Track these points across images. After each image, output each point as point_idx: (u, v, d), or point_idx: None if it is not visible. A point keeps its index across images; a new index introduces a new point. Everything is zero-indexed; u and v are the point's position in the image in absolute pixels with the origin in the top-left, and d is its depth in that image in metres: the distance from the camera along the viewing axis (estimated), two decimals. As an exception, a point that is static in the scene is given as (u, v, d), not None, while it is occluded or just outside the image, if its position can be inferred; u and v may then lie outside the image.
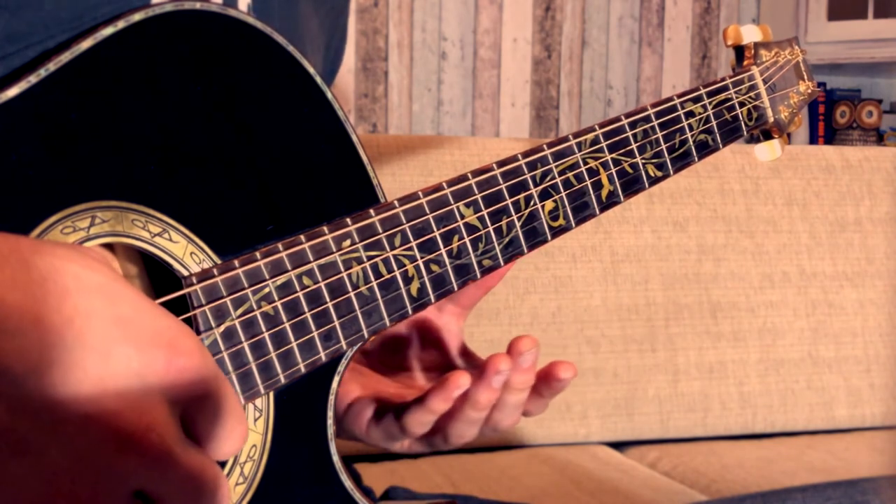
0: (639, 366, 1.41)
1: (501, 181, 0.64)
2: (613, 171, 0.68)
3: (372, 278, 0.58)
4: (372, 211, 0.59)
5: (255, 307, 0.53)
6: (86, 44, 0.49)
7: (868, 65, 3.11)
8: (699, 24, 3.27)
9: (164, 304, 0.48)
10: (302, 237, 0.56)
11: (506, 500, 0.93)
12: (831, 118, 3.26)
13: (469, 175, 0.63)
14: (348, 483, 0.59)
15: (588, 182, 0.67)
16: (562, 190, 0.66)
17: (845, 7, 3.15)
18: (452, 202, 0.62)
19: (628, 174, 0.69)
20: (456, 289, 0.62)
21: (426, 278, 0.61)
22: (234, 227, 0.54)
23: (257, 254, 0.54)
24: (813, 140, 3.24)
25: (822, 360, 1.49)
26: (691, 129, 0.73)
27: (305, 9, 0.69)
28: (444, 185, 0.61)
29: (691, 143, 0.72)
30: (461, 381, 0.62)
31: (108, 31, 0.50)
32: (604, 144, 0.68)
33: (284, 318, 0.55)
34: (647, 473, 1.30)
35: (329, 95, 0.58)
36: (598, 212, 0.68)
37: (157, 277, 0.54)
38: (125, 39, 0.50)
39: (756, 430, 1.46)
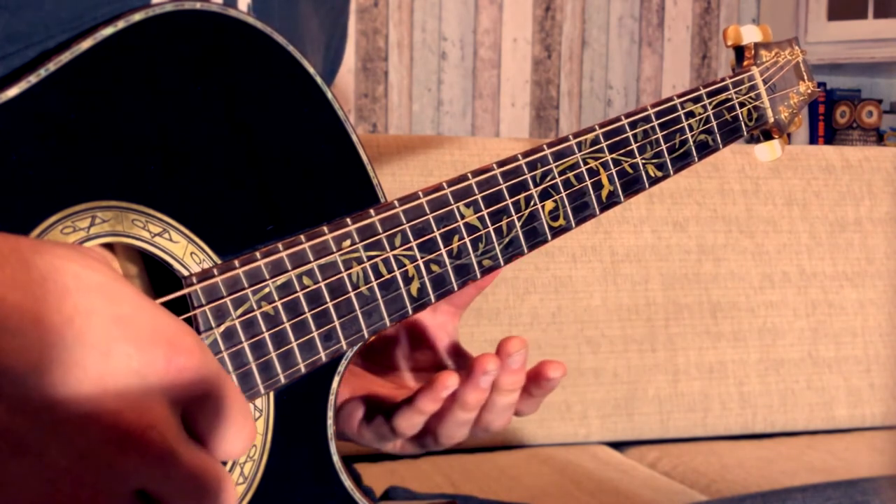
0: (639, 366, 1.41)
1: (501, 181, 0.64)
2: (613, 171, 0.68)
3: (372, 278, 0.58)
4: (372, 211, 0.59)
5: (255, 307, 0.53)
6: (86, 44, 0.49)
7: (868, 65, 3.11)
8: (699, 24, 3.27)
9: (164, 305, 0.48)
10: (302, 237, 0.56)
11: (506, 500, 0.93)
12: (831, 118, 3.26)
13: (469, 175, 0.62)
14: (348, 483, 0.59)
15: (588, 182, 0.67)
16: (562, 190, 0.66)
17: (845, 7, 3.15)
18: (452, 202, 0.62)
19: (628, 174, 0.69)
20: (456, 289, 0.62)
21: (426, 278, 0.61)
22: (234, 227, 0.54)
23: (257, 254, 0.54)
24: (813, 140, 3.24)
25: (822, 360, 1.49)
26: (691, 129, 0.73)
27: (305, 9, 0.69)
28: (445, 185, 0.61)
29: (691, 143, 0.72)
30: (449, 381, 0.62)
31: (108, 31, 0.50)
32: (604, 144, 0.68)
33: (284, 318, 0.55)
34: (647, 473, 1.30)
35: (329, 95, 0.58)
36: (598, 212, 0.68)
37: (157, 277, 0.54)
38: (125, 39, 0.50)
39: (756, 430, 1.46)
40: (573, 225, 0.67)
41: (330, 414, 0.58)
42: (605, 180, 0.68)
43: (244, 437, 0.45)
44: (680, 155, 0.72)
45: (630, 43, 3.18)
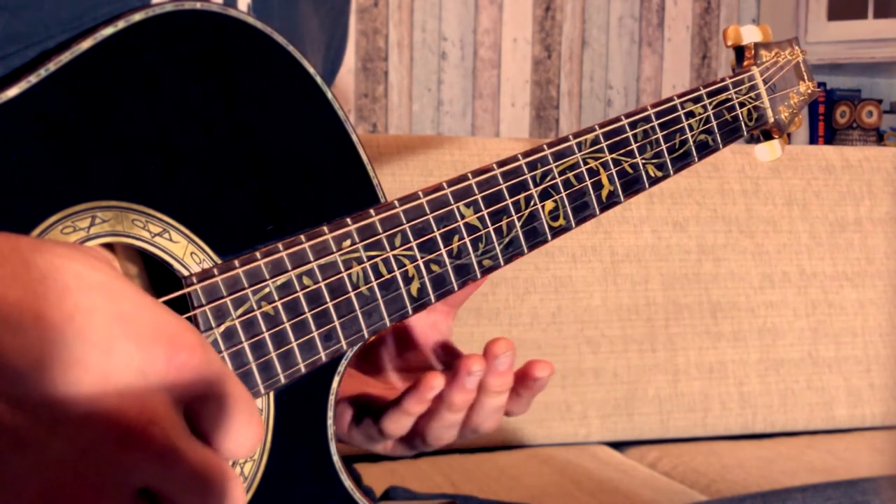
0: (639, 366, 1.41)
1: (501, 181, 0.64)
2: (613, 171, 0.68)
3: (372, 278, 0.58)
4: (372, 211, 0.59)
5: (255, 307, 0.54)
6: (86, 44, 0.49)
7: (868, 65, 3.11)
8: (699, 24, 3.27)
9: (164, 304, 0.48)
10: (302, 237, 0.56)
11: (506, 500, 0.93)
12: (831, 118, 3.26)
13: (469, 175, 0.63)
14: (348, 483, 0.59)
15: (588, 182, 0.67)
16: (562, 190, 0.66)
17: (845, 7, 3.15)
18: (452, 202, 0.62)
19: (628, 174, 0.69)
20: (456, 289, 0.62)
21: (426, 278, 0.61)
22: (234, 227, 0.54)
23: (257, 254, 0.54)
24: (813, 140, 3.24)
25: (822, 360, 1.49)
26: (691, 129, 0.73)
27: (305, 9, 0.69)
28: (445, 185, 0.61)
29: (691, 143, 0.72)
30: (434, 382, 0.62)
31: (108, 31, 0.50)
32: (604, 144, 0.68)
33: (284, 318, 0.55)
34: (647, 473, 1.30)
35: (329, 95, 0.58)
36: (598, 212, 0.68)
37: (158, 277, 0.54)
38: (125, 39, 0.50)
39: (756, 430, 1.46)
40: (573, 225, 0.67)
41: (330, 414, 0.58)
42: (605, 180, 0.68)
43: (250, 435, 0.44)
44: (680, 155, 0.72)
45: (630, 43, 3.18)
